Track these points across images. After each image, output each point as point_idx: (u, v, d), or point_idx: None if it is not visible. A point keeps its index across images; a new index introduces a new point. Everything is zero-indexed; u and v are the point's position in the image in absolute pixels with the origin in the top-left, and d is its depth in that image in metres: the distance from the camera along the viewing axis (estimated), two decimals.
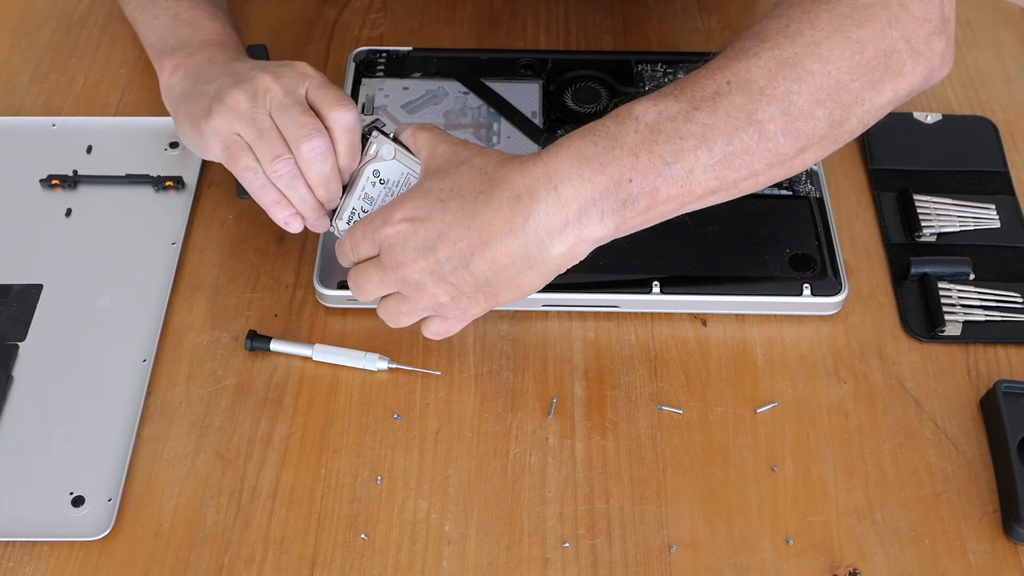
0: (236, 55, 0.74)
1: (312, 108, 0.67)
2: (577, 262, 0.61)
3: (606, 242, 0.61)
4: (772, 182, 0.62)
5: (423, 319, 0.66)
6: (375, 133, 0.66)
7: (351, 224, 0.67)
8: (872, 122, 0.63)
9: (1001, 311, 0.73)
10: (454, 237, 0.60)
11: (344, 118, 0.66)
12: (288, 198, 0.67)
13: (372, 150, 0.66)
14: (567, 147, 0.60)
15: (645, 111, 0.60)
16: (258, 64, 0.70)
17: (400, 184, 0.66)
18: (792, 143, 0.60)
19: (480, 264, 0.60)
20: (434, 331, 0.66)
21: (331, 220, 0.68)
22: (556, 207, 0.59)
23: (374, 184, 0.66)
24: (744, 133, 0.59)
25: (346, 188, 0.67)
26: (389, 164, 0.66)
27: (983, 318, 0.72)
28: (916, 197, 0.78)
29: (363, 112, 0.81)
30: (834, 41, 0.60)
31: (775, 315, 0.73)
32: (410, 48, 0.87)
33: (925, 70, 0.62)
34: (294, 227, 0.68)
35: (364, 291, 0.65)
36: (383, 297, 0.65)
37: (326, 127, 0.66)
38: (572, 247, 0.60)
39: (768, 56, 0.60)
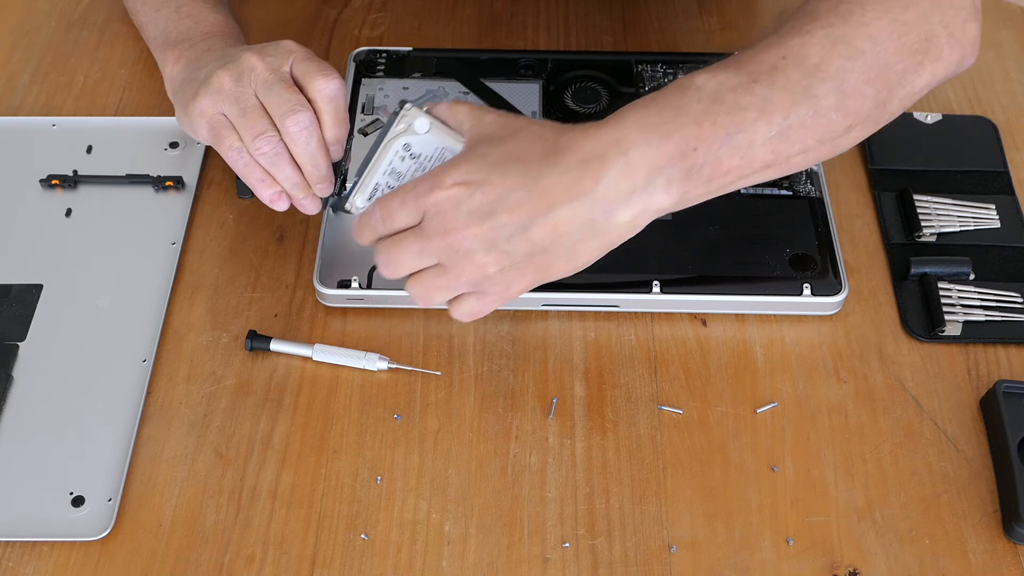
0: (235, 43, 0.74)
1: (297, 83, 0.66)
2: (635, 234, 0.60)
3: (667, 213, 0.60)
4: (819, 160, 0.63)
5: (454, 299, 0.63)
6: (408, 105, 0.63)
7: (372, 201, 0.64)
8: (909, 105, 0.64)
9: (1001, 311, 0.73)
10: (514, 202, 0.58)
11: (326, 87, 0.65)
12: (273, 176, 0.66)
13: (404, 123, 0.63)
14: (632, 115, 0.59)
15: (705, 82, 0.60)
16: (249, 46, 0.70)
17: (434, 160, 0.63)
18: (842, 120, 0.61)
19: (540, 231, 0.58)
20: (466, 310, 0.62)
21: (348, 197, 0.65)
22: (625, 173, 0.58)
23: (403, 159, 0.63)
24: (801, 108, 0.60)
25: (365, 163, 0.64)
26: (423, 138, 0.62)
27: (983, 318, 0.72)
28: (916, 197, 0.78)
29: (363, 112, 0.81)
30: (883, 22, 0.61)
31: (775, 315, 0.73)
32: (410, 48, 0.87)
33: (959, 55, 0.64)
34: (280, 206, 0.67)
35: (397, 265, 0.61)
36: (416, 272, 0.62)
37: (310, 99, 0.66)
38: (637, 216, 0.59)
39: (822, 34, 0.61)
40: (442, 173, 0.59)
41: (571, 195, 0.58)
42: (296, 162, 0.67)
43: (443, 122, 0.63)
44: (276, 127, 0.66)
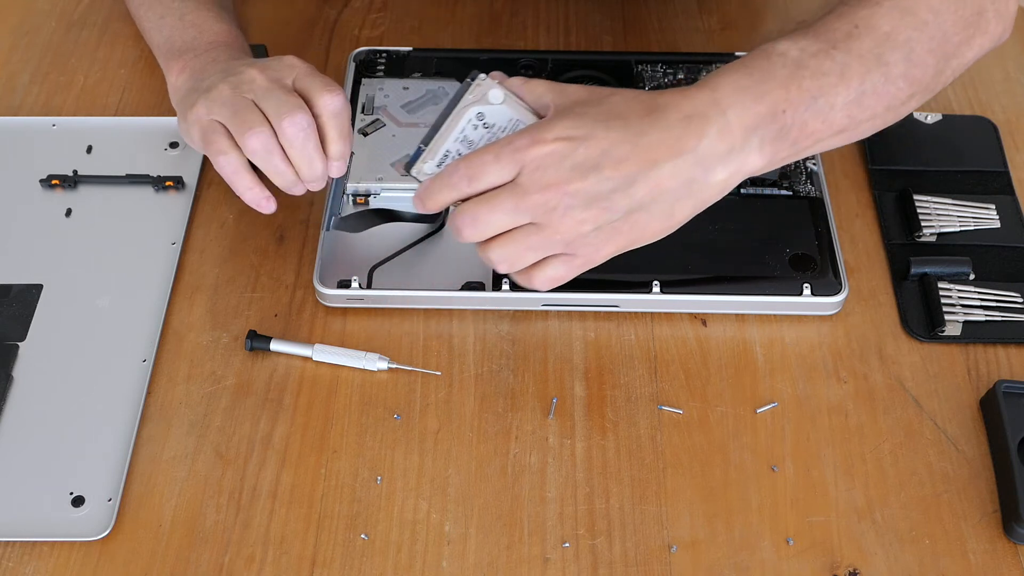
0: (240, 55, 0.75)
1: (301, 98, 0.67)
2: (724, 195, 0.62)
3: (756, 175, 0.62)
4: (883, 127, 0.65)
5: (535, 265, 0.61)
6: (481, 76, 0.63)
7: (442, 168, 0.62)
8: (957, 76, 0.67)
9: (1001, 311, 0.73)
10: (619, 156, 0.58)
11: (331, 102, 0.66)
12: (265, 172, 0.66)
13: (477, 91, 0.62)
14: (725, 78, 0.61)
15: (788, 48, 0.62)
16: (251, 60, 0.71)
17: (507, 130, 0.62)
18: (907, 88, 0.63)
19: (642, 187, 0.59)
20: (550, 275, 0.62)
21: (413, 163, 0.63)
22: (724, 132, 0.59)
23: (476, 127, 0.62)
24: (874, 74, 0.62)
25: (433, 130, 0.63)
26: (497, 108, 0.62)
27: (983, 318, 0.72)
28: (916, 197, 0.78)
29: (363, 112, 0.81)
30: None
31: (775, 315, 0.73)
32: (410, 48, 0.87)
33: (1001, 30, 0.67)
34: (267, 208, 0.68)
35: (487, 223, 0.60)
36: (501, 234, 0.60)
37: (314, 114, 0.66)
38: (731, 175, 0.61)
39: (889, 5, 0.63)
40: (541, 128, 0.59)
41: (675, 151, 0.59)
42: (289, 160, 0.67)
43: (516, 96, 0.63)
44: (268, 124, 0.65)
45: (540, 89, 0.63)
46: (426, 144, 0.63)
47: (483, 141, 0.62)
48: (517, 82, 0.63)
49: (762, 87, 0.60)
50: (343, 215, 0.73)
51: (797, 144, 0.62)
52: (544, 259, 0.61)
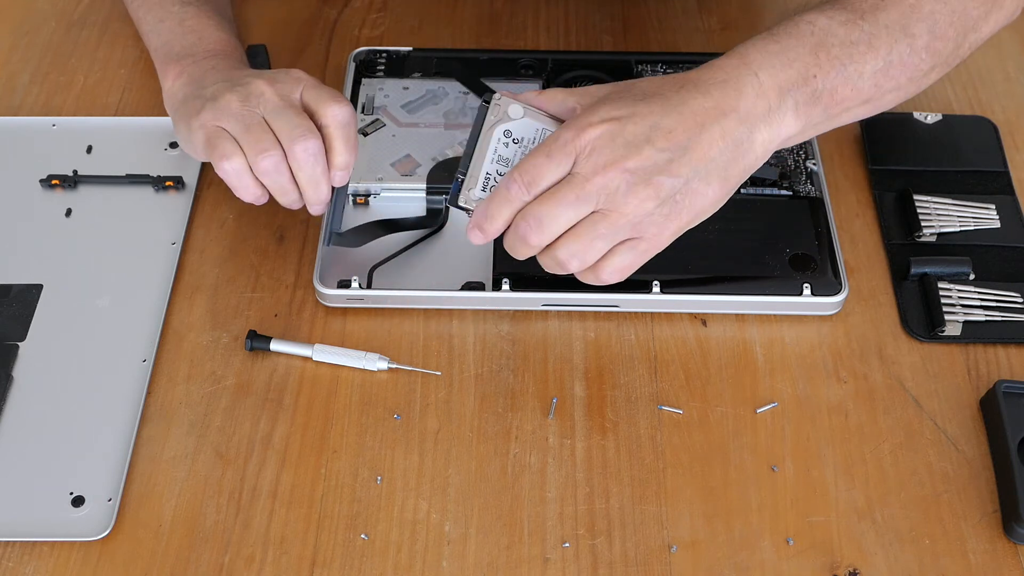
0: (238, 65, 0.75)
1: (307, 110, 0.67)
2: (759, 166, 0.62)
3: (790, 144, 0.64)
4: (905, 99, 0.66)
5: (603, 259, 0.61)
6: (497, 95, 0.63)
7: (488, 191, 0.63)
8: (974, 50, 0.68)
9: (1001, 311, 0.73)
10: (667, 126, 0.59)
11: (340, 112, 0.66)
12: (269, 189, 0.67)
13: (496, 111, 0.63)
14: (753, 45, 0.62)
15: (816, 18, 0.63)
16: (256, 72, 0.71)
17: (537, 141, 0.63)
18: (929, 60, 0.65)
19: (696, 153, 0.59)
20: (617, 265, 0.61)
21: (458, 193, 0.64)
22: (759, 92, 0.61)
23: (507, 145, 0.63)
24: (900, 45, 0.63)
25: (467, 158, 0.63)
26: (520, 123, 0.63)
27: (983, 318, 0.72)
28: (916, 197, 0.78)
29: (363, 112, 0.81)
30: None
31: (775, 315, 0.73)
32: (410, 48, 0.87)
33: (1014, 7, 0.69)
34: (262, 200, 0.68)
35: (552, 221, 0.59)
36: (566, 232, 0.60)
37: (322, 124, 0.66)
38: (771, 137, 0.62)
39: None
40: (583, 117, 0.60)
41: (718, 113, 0.60)
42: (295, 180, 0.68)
43: (535, 107, 0.63)
44: (280, 146, 0.66)
45: (560, 96, 0.63)
46: (464, 173, 0.64)
47: (518, 156, 0.63)
48: (531, 95, 0.64)
49: (791, 53, 0.61)
50: (341, 231, 0.73)
51: (828, 110, 0.63)
52: (610, 250, 0.61)
